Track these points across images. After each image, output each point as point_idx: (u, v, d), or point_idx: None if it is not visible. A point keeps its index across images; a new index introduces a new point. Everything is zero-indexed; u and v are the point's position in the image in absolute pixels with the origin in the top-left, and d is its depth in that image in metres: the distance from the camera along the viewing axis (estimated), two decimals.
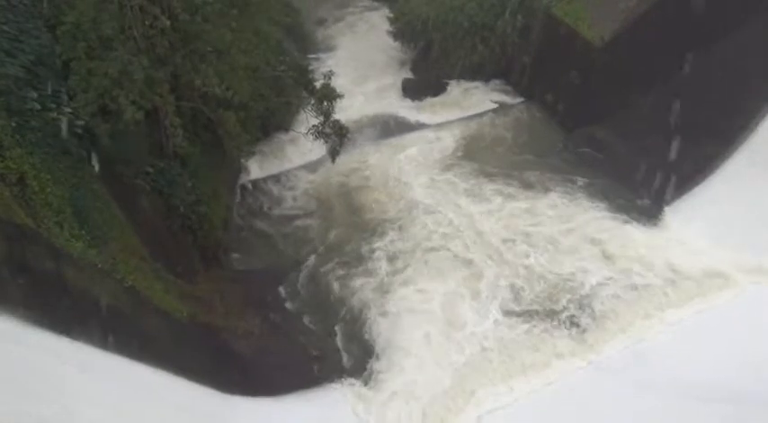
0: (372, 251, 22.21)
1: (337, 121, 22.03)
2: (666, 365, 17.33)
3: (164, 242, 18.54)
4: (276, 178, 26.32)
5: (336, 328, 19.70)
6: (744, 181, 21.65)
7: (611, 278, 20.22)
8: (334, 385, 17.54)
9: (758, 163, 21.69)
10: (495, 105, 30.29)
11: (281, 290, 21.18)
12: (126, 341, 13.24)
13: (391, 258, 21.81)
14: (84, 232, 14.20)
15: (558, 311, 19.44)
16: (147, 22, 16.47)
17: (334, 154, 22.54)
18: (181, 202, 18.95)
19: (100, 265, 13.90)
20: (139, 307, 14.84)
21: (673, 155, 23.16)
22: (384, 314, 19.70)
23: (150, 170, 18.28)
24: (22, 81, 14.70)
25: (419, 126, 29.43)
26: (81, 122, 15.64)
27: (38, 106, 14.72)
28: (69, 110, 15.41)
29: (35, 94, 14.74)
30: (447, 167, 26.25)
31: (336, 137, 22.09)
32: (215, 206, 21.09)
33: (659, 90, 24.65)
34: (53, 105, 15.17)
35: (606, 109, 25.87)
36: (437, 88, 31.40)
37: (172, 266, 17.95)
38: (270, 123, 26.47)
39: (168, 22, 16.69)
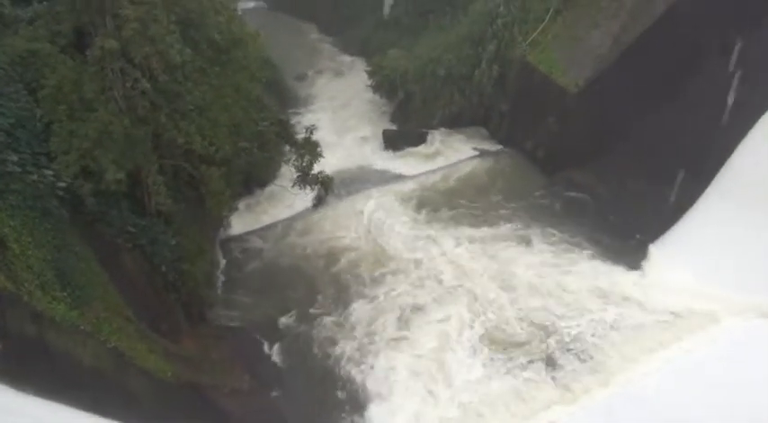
0: (354, 306, 22.11)
1: (322, 172, 22.23)
2: (655, 408, 17.18)
3: (147, 301, 18.30)
4: (258, 233, 26.30)
5: (324, 383, 19.46)
6: (717, 216, 21.96)
7: (596, 320, 20.26)
8: None
9: (728, 197, 22.07)
10: (476, 153, 30.68)
11: (269, 344, 20.90)
12: (110, 403, 12.96)
13: (373, 313, 21.71)
14: (66, 294, 14.01)
15: (543, 357, 19.32)
16: (127, 84, 16.64)
17: (318, 203, 22.64)
18: (163, 260, 18.79)
19: (82, 327, 13.67)
20: (123, 368, 14.54)
21: (652, 195, 23.54)
22: (368, 370, 19.59)
23: (133, 229, 18.17)
24: (1, 144, 14.69)
25: (400, 176, 29.72)
26: (62, 184, 15.61)
27: (18, 169, 14.68)
28: (50, 172, 15.38)
29: (15, 158, 14.70)
30: (428, 216, 26.45)
31: (322, 186, 22.23)
32: (199, 262, 20.91)
33: (635, 133, 25.21)
34: (33, 168, 15.15)
35: (585, 153, 26.37)
36: (417, 138, 31.85)
37: (156, 325, 17.69)
38: (252, 178, 26.59)
39: (148, 85, 16.89)
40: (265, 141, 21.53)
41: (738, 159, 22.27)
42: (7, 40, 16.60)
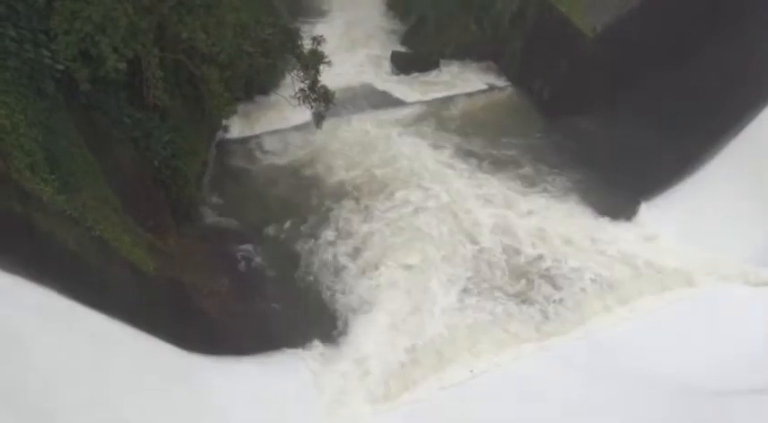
0: (346, 218, 22.44)
1: (324, 87, 21.80)
2: (619, 356, 17.70)
3: (136, 195, 18.34)
4: (255, 140, 26.15)
5: (303, 291, 19.94)
6: (722, 184, 21.89)
7: (578, 268, 20.51)
8: (295, 349, 17.69)
9: (738, 167, 21.89)
10: (484, 87, 30.22)
11: (253, 250, 21.18)
12: (90, 290, 13.19)
13: (359, 230, 22.04)
14: (54, 177, 13.99)
15: (522, 296, 19.73)
16: None
17: (319, 119, 22.33)
18: (156, 155, 18.73)
19: (69, 212, 13.76)
20: (106, 257, 14.74)
21: (654, 152, 23.34)
22: (352, 282, 20.05)
23: (127, 120, 18.01)
24: (0, 17, 14.32)
25: (402, 100, 29.24)
26: (60, 66, 15.33)
27: (15, 45, 14.36)
28: (48, 53, 15.06)
29: (13, 33, 14.35)
30: (427, 143, 26.31)
31: (322, 102, 21.88)
32: (191, 162, 20.89)
33: (647, 86, 24.72)
34: (31, 46, 14.81)
35: (592, 101, 25.95)
36: (426, 64, 31.22)
37: (142, 220, 17.81)
38: (253, 84, 26.15)
39: None
40: (270, 48, 21.01)
41: (754, 129, 21.96)
42: None
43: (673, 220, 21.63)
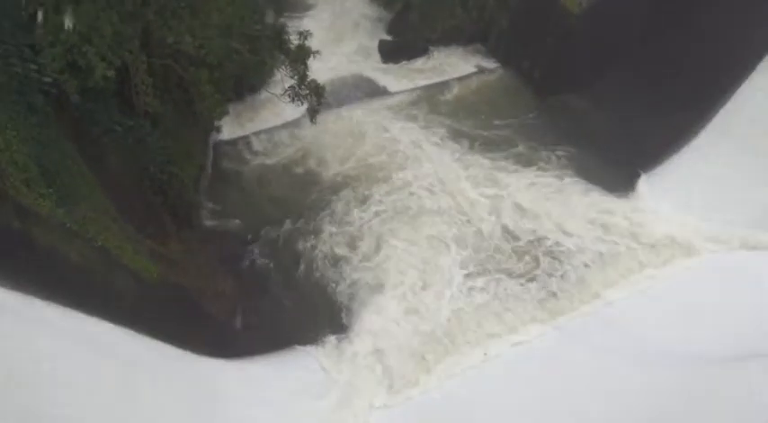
0: (345, 210, 22.49)
1: (314, 81, 21.70)
2: (628, 330, 17.80)
3: (134, 202, 18.31)
4: (248, 139, 26.05)
5: (309, 287, 19.97)
6: (715, 154, 21.91)
7: (580, 244, 20.61)
8: (305, 346, 17.74)
9: (729, 136, 21.93)
10: (473, 70, 30.10)
11: (255, 250, 21.19)
12: (95, 301, 13.19)
13: (356, 226, 22.00)
14: (51, 191, 13.95)
15: (527, 275, 19.81)
16: None
17: (313, 114, 22.22)
18: (150, 161, 18.65)
19: (69, 225, 13.73)
20: (109, 267, 14.75)
21: (647, 125, 23.32)
22: (356, 272, 20.13)
23: (119, 129, 17.91)
24: None
25: (392, 89, 29.12)
26: (48, 79, 15.22)
27: (1, 61, 14.27)
28: (35, 66, 14.95)
29: None
30: (419, 131, 26.25)
31: (314, 96, 21.78)
32: (187, 166, 20.84)
33: (636, 61, 24.66)
34: (17, 60, 14.70)
35: (582, 78, 25.88)
36: (414, 52, 31.10)
37: (142, 227, 17.76)
38: (243, 83, 26.03)
39: None
40: (258, 46, 20.90)
41: (742, 97, 21.97)
42: None
43: (670, 192, 21.69)
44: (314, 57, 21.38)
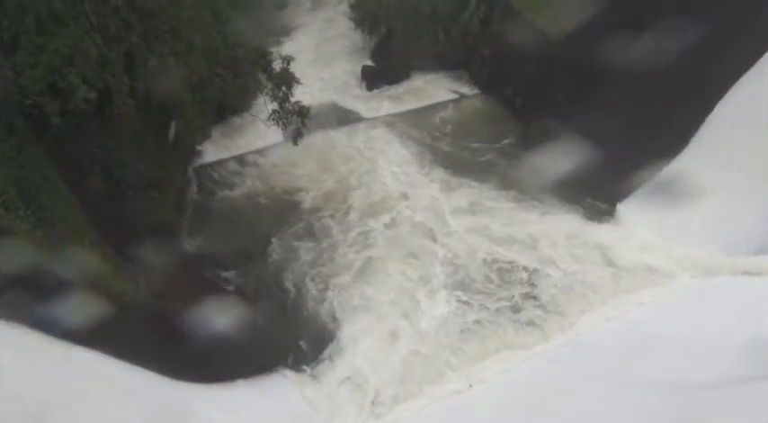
0: (326, 234, 22.41)
1: (298, 102, 21.76)
2: (607, 357, 17.70)
3: (113, 225, 18.11)
4: (231, 162, 25.99)
5: (291, 311, 19.85)
6: (692, 176, 22.11)
7: (559, 272, 20.55)
8: (285, 372, 17.54)
9: (704, 157, 22.03)
10: (455, 96, 30.39)
11: (236, 274, 21.00)
12: None
13: (342, 236, 22.13)
14: (30, 213, 13.79)
15: (506, 304, 19.71)
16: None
17: (297, 136, 22.24)
18: (131, 185, 18.53)
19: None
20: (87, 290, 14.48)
21: (627, 150, 23.52)
22: (339, 295, 19.99)
23: (99, 151, 17.80)
24: None
25: (374, 115, 29.34)
26: (29, 101, 15.14)
27: None
28: (16, 88, 14.88)
29: None
30: (400, 156, 26.40)
31: (298, 117, 21.80)
32: (167, 190, 20.71)
33: (616, 87, 24.97)
34: None
35: (563, 104, 26.17)
36: (396, 77, 31.39)
37: (121, 250, 17.58)
38: (225, 106, 26.07)
39: (120, 1, 16.24)
40: (241, 70, 20.99)
41: (717, 119, 22.20)
42: None
43: (650, 218, 21.75)
44: (297, 83, 21.50)
